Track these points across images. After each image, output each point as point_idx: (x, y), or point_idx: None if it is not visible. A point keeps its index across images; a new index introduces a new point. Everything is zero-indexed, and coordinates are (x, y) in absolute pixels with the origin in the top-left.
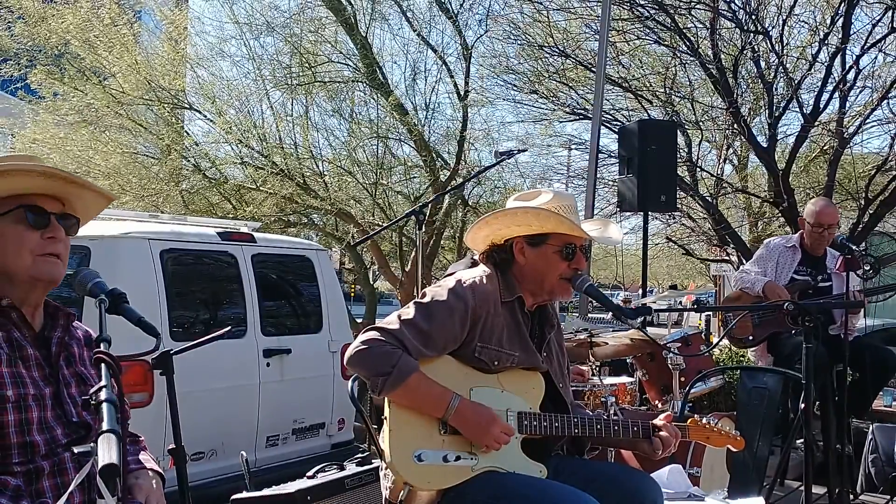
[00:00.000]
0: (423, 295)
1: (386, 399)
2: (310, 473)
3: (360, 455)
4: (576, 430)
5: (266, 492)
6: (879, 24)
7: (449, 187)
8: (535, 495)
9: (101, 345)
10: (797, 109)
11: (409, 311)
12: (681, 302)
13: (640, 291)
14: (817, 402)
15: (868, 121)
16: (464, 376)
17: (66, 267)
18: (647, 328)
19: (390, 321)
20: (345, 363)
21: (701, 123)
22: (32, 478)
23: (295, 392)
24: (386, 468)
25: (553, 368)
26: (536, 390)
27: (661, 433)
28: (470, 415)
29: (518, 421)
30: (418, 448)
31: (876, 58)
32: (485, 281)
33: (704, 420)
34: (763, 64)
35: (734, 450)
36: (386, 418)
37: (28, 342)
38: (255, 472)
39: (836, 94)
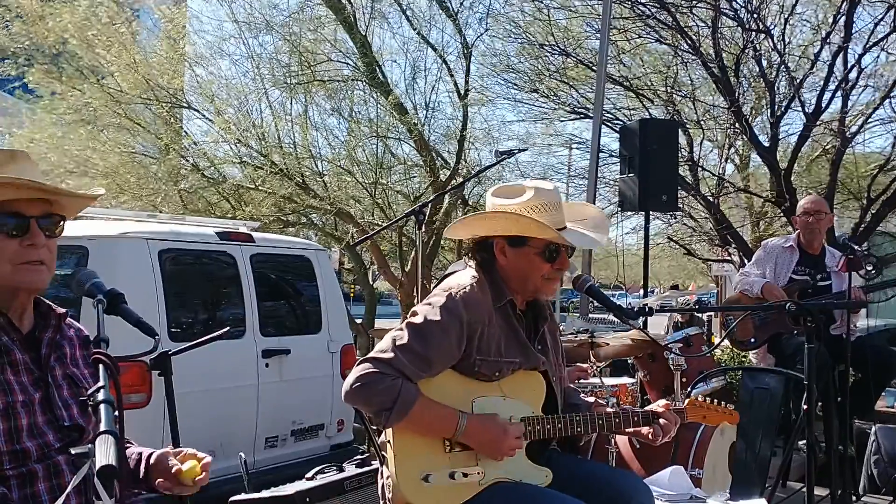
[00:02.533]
0: (415, 314)
1: None
2: (309, 475)
3: (359, 456)
4: (579, 429)
5: (265, 493)
6: (882, 22)
7: (449, 187)
8: None
9: (100, 345)
10: (799, 108)
11: (403, 336)
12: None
13: (642, 291)
14: (819, 403)
15: (870, 120)
16: (464, 388)
17: (53, 270)
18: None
19: (384, 348)
20: (344, 399)
21: (702, 122)
22: (26, 481)
23: (294, 393)
24: (387, 477)
25: (549, 360)
26: (538, 391)
27: (660, 420)
28: (479, 432)
29: (523, 428)
30: (424, 469)
31: (878, 57)
32: (476, 289)
33: (701, 398)
34: (765, 63)
35: (730, 425)
36: (389, 442)
37: (16, 346)
38: (253, 473)
39: (839, 94)
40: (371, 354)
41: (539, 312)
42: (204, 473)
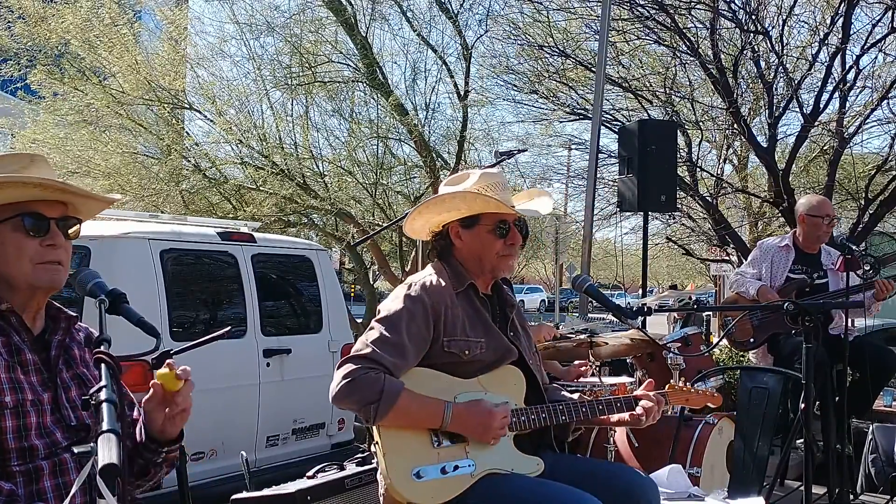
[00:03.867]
0: (379, 312)
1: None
2: (310, 473)
3: (360, 455)
4: (563, 418)
5: (266, 492)
6: (879, 24)
7: None
8: (535, 500)
9: (102, 345)
10: (797, 109)
11: (373, 333)
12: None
13: (640, 291)
14: (817, 402)
15: (868, 121)
16: (445, 386)
17: (68, 271)
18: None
19: (360, 347)
20: (331, 401)
21: (701, 123)
22: (32, 478)
23: (295, 392)
24: (379, 473)
25: (522, 346)
26: (518, 385)
27: (642, 402)
28: (467, 416)
29: (509, 408)
30: (415, 465)
31: (876, 58)
32: (434, 278)
33: (681, 384)
34: (763, 64)
35: (713, 406)
36: (377, 443)
37: (27, 346)
38: (255, 472)
39: (836, 94)
40: (348, 355)
41: (505, 300)
42: (179, 371)
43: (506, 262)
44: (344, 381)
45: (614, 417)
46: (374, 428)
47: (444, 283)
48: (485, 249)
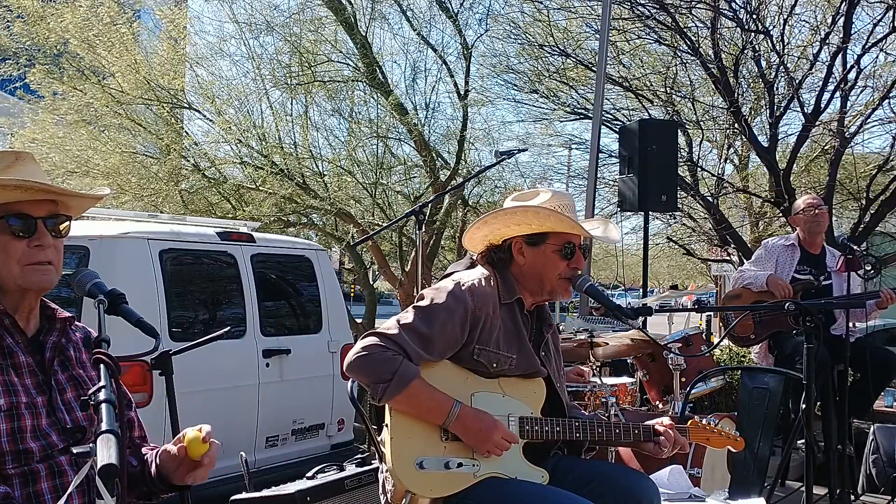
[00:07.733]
0: (421, 297)
1: (387, 405)
2: (309, 474)
3: (359, 456)
4: (577, 434)
5: (266, 492)
6: (880, 23)
7: (449, 187)
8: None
9: (100, 345)
10: (798, 109)
11: (408, 316)
12: (681, 302)
13: (641, 291)
14: (818, 403)
15: (869, 120)
16: (464, 381)
17: (60, 270)
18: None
19: (390, 326)
20: (344, 369)
21: (702, 123)
22: (29, 480)
23: (294, 392)
24: (386, 472)
25: (552, 368)
26: (538, 394)
27: (660, 438)
28: (471, 422)
29: (520, 426)
30: (420, 455)
31: (877, 57)
32: (483, 283)
33: (704, 421)
34: (764, 63)
35: (734, 451)
36: (387, 425)
37: (20, 348)
38: (254, 472)
39: (838, 94)
40: (376, 330)
41: (545, 320)
42: (210, 446)
43: (566, 286)
44: (361, 353)
45: (630, 442)
46: (387, 410)
47: (491, 291)
48: (547, 269)
